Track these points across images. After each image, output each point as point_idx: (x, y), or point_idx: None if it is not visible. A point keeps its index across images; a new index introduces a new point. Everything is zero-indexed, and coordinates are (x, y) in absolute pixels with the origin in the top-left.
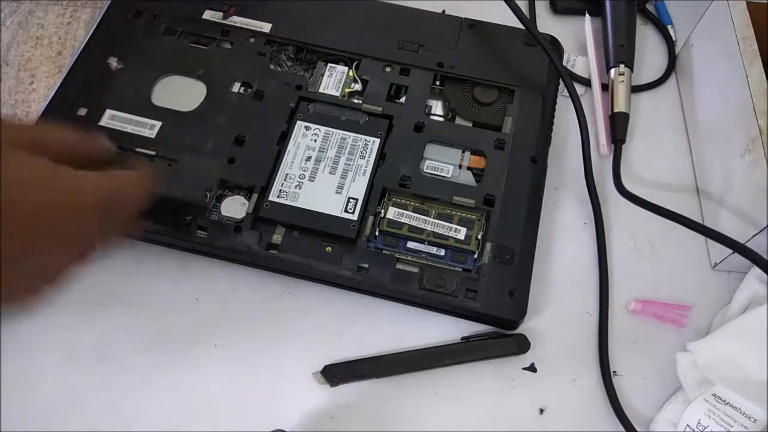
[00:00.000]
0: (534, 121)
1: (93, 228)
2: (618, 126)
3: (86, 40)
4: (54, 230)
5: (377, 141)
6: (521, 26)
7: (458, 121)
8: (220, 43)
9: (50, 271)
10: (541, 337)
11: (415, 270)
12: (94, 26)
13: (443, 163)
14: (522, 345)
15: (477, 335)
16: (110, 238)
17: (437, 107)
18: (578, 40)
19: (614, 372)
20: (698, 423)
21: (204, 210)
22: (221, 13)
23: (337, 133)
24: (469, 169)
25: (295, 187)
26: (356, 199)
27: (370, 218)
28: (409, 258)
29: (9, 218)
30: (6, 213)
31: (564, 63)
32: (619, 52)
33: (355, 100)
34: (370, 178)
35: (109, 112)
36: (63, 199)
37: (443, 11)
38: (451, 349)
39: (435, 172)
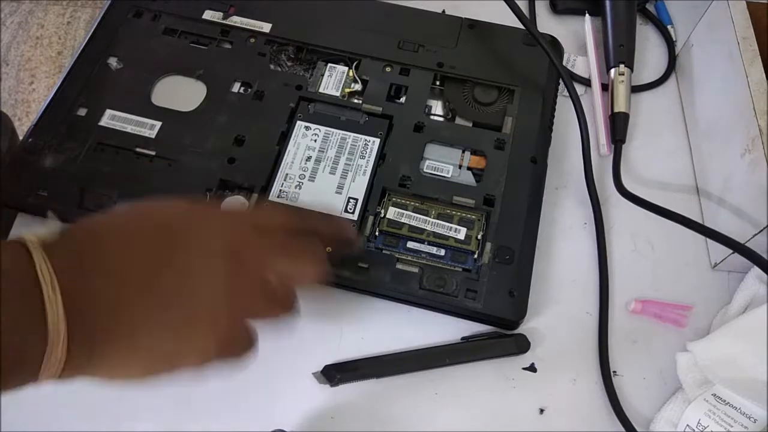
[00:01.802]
0: (534, 121)
1: None
2: (618, 126)
3: (86, 40)
4: None
5: (377, 141)
6: (521, 26)
7: (458, 121)
8: (220, 43)
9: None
10: (541, 337)
11: (415, 270)
12: (94, 26)
13: (443, 163)
14: (522, 345)
15: (477, 335)
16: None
17: (437, 107)
18: (578, 40)
19: (614, 372)
20: (698, 423)
21: None
22: (221, 13)
23: (337, 133)
24: (469, 169)
25: (295, 187)
26: (356, 199)
27: (370, 218)
28: (409, 258)
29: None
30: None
31: (564, 63)
32: (619, 52)
33: (355, 100)
34: (370, 178)
35: (109, 112)
36: None
37: (443, 11)
38: (451, 349)
39: (435, 172)
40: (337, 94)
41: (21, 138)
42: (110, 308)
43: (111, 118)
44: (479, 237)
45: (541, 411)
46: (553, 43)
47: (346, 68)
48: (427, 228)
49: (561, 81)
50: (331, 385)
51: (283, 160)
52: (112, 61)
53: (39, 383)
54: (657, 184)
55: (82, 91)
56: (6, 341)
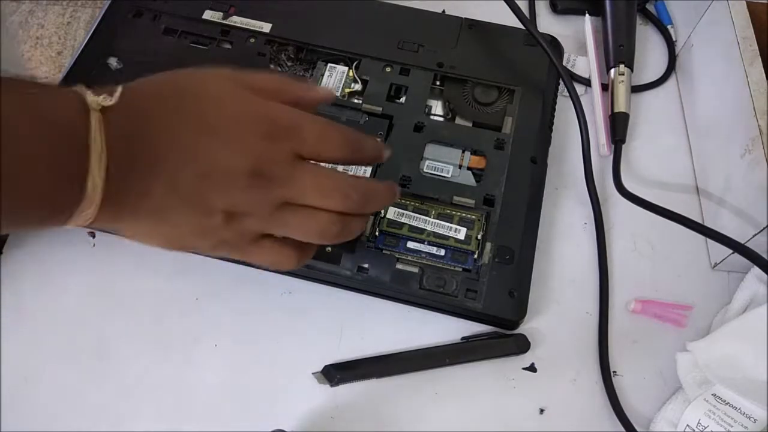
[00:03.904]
0: (534, 121)
1: None
2: (618, 126)
3: (86, 40)
4: None
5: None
6: (521, 26)
7: (458, 121)
8: (220, 43)
9: None
10: (541, 337)
11: (415, 270)
12: (94, 26)
13: (443, 163)
14: (522, 345)
15: (477, 335)
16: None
17: (437, 107)
18: (578, 40)
19: (614, 372)
20: (698, 423)
21: None
22: (221, 13)
23: None
24: (469, 169)
25: None
26: None
27: (370, 218)
28: (409, 258)
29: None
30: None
31: (564, 63)
32: (619, 52)
33: (355, 100)
34: (370, 178)
35: None
36: None
37: (443, 11)
38: (451, 349)
39: (435, 172)
40: (337, 94)
41: None
42: (145, 183)
43: None
44: (479, 237)
45: (541, 411)
46: (553, 43)
47: (346, 68)
48: (427, 228)
49: (561, 81)
50: (331, 385)
51: None
52: (112, 61)
53: (65, 227)
54: (657, 184)
55: None
56: (43, 194)
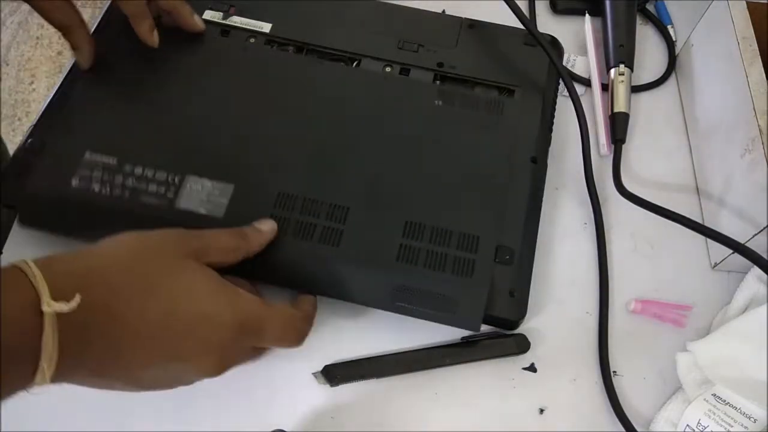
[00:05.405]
0: (534, 121)
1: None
2: (618, 126)
3: None
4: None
5: None
6: (521, 26)
7: None
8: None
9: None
10: (541, 337)
11: None
12: (94, 26)
13: None
14: (522, 345)
15: (477, 335)
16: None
17: None
18: (578, 40)
19: (614, 372)
20: (698, 423)
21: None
22: (221, 13)
23: None
24: None
25: None
26: None
27: None
28: None
29: (171, 323)
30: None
31: (564, 63)
32: (619, 52)
33: None
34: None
35: None
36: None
37: (443, 11)
38: (451, 349)
39: None
40: None
41: (21, 138)
42: (101, 369)
43: None
44: None
45: (541, 411)
46: (553, 43)
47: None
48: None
49: (561, 81)
50: (331, 385)
51: None
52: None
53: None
54: (657, 184)
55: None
56: None
